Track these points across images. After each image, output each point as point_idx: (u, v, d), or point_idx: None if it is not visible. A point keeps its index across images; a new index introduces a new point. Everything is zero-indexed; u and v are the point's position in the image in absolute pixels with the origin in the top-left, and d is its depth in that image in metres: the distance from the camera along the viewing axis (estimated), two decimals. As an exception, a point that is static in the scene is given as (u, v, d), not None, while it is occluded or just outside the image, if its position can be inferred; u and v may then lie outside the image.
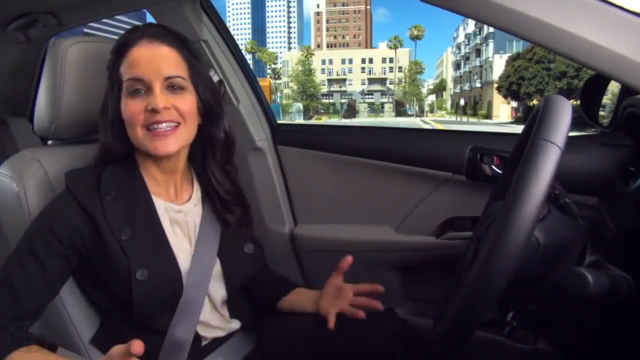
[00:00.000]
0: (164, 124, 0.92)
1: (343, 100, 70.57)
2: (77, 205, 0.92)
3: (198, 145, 1.03)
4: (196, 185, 1.07)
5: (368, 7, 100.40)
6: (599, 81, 1.22)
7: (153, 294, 0.93)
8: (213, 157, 1.04)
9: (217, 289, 1.05)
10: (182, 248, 1.00)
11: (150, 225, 0.97)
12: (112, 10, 1.53)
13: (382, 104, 71.17)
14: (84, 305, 1.02)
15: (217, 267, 1.04)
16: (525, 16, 0.82)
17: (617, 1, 0.78)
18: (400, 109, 66.41)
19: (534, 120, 0.76)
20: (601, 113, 1.30)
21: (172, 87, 0.93)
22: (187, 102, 0.94)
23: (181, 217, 1.02)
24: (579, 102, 1.27)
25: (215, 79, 1.45)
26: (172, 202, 1.02)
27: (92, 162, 1.00)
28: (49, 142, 1.17)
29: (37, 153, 1.06)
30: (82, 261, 0.94)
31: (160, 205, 1.00)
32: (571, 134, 0.71)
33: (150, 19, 1.44)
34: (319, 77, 70.48)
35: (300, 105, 60.72)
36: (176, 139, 0.94)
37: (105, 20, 1.83)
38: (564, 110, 0.69)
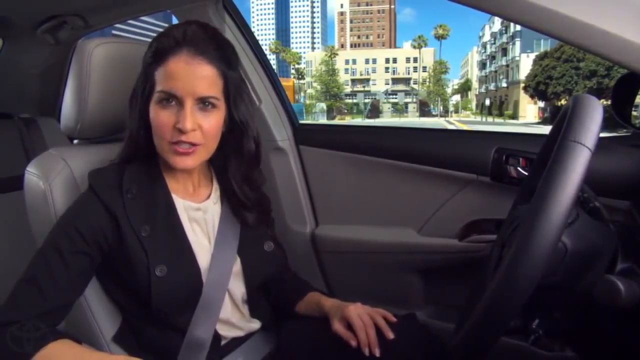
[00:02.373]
0: (186, 144, 0.92)
1: (367, 100, 70.46)
2: (100, 204, 0.94)
3: (220, 153, 1.02)
4: (215, 185, 1.08)
5: (392, 6, 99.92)
6: (632, 80, 1.18)
7: (172, 290, 0.94)
8: (237, 165, 1.04)
9: (238, 287, 1.05)
10: (202, 245, 1.01)
11: (170, 223, 0.98)
12: (137, 12, 1.56)
13: (406, 104, 70.73)
14: (107, 304, 1.04)
15: (237, 265, 1.04)
16: (556, 13, 0.79)
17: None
18: (424, 109, 65.90)
19: (562, 121, 0.73)
20: (633, 113, 1.25)
21: (204, 104, 0.92)
22: (213, 122, 0.94)
23: (200, 215, 1.03)
24: (609, 101, 1.23)
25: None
26: (191, 200, 1.02)
27: (117, 159, 1.01)
28: (75, 141, 1.19)
29: (63, 152, 1.07)
30: (104, 258, 0.95)
31: (180, 203, 1.01)
32: (601, 134, 0.69)
33: (174, 20, 1.46)
34: (343, 77, 70.53)
35: (323, 106, 60.82)
36: (195, 158, 0.94)
37: (131, 22, 1.87)
38: (594, 111, 0.67)
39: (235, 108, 0.98)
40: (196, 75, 0.90)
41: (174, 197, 1.01)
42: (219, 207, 1.06)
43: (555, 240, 0.60)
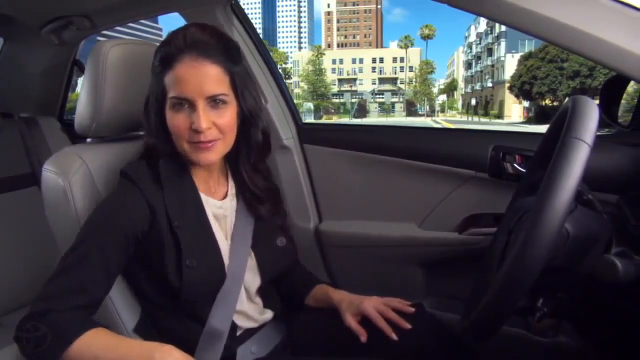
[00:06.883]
0: (205, 141, 0.96)
1: (354, 100, 70.43)
2: (141, 196, 0.97)
3: (233, 145, 1.06)
4: (231, 182, 1.12)
5: (379, 6, 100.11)
6: (619, 82, 1.24)
7: (200, 281, 0.99)
8: (247, 155, 1.08)
9: (252, 280, 1.09)
10: (221, 241, 1.06)
11: (198, 218, 1.03)
12: (144, 14, 1.59)
13: (393, 103, 70.84)
14: (127, 296, 1.07)
15: (252, 259, 1.09)
16: (547, 18, 0.86)
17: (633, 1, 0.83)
18: (411, 109, 66.12)
19: (561, 120, 0.80)
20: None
21: (215, 102, 0.96)
22: (227, 117, 0.98)
23: (221, 212, 1.08)
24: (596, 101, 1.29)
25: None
26: (213, 197, 1.07)
27: (141, 158, 1.03)
28: (88, 140, 1.21)
29: (78, 150, 1.10)
30: (136, 248, 0.98)
31: (204, 200, 1.05)
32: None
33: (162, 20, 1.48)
34: (330, 77, 70.34)
35: (310, 105, 60.73)
36: (216, 152, 0.99)
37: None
38: (592, 110, 0.73)
39: (244, 101, 1.01)
40: (203, 76, 0.94)
41: (200, 194, 1.05)
42: (234, 203, 1.11)
43: (560, 226, 0.67)
